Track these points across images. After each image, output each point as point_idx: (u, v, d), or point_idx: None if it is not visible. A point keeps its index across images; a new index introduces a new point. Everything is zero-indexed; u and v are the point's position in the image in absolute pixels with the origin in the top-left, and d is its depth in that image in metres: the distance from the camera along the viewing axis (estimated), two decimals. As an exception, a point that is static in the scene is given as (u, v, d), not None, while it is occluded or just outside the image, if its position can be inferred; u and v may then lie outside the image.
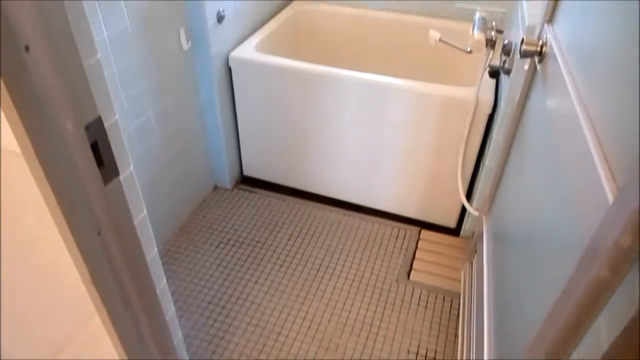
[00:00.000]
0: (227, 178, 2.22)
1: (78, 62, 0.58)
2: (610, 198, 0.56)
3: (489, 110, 1.65)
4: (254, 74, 1.92)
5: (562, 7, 1.00)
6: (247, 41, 1.99)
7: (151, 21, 1.55)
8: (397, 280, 1.84)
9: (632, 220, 0.46)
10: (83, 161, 0.63)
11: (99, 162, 0.66)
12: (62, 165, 0.61)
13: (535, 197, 0.96)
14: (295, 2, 2.41)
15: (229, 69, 1.95)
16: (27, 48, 0.51)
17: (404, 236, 2.05)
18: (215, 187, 2.28)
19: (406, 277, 1.86)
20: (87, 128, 0.63)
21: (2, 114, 0.56)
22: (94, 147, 0.65)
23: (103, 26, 1.34)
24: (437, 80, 2.13)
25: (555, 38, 0.97)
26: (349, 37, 2.40)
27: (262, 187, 2.29)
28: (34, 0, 0.53)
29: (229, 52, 1.92)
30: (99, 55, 0.64)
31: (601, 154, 0.64)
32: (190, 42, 1.76)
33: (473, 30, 1.42)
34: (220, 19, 1.78)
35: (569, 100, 0.79)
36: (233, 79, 1.98)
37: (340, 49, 2.45)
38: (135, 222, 0.82)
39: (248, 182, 2.32)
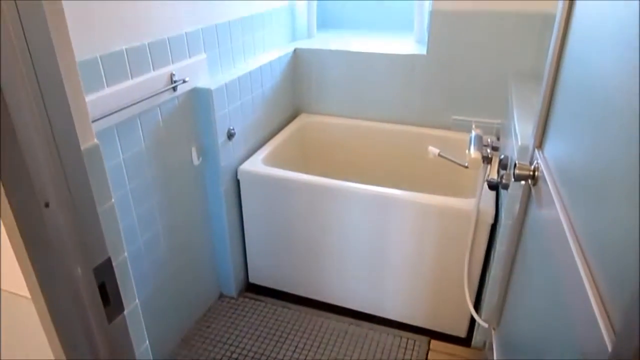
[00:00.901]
0: (232, 286, 2.21)
1: (93, 210, 0.63)
2: (608, 342, 0.56)
3: (490, 221, 1.67)
4: (261, 186, 2.00)
5: (550, 133, 1.06)
6: (255, 154, 2.09)
7: (165, 142, 1.64)
8: (407, 398, 1.75)
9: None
10: (89, 302, 0.65)
11: (105, 300, 0.68)
12: (68, 308, 0.63)
13: (541, 315, 0.95)
14: (301, 115, 2.56)
15: (237, 181, 2.03)
16: (47, 204, 0.56)
17: (413, 347, 1.98)
18: (221, 295, 2.26)
19: (417, 393, 1.77)
20: (96, 270, 0.65)
21: (16, 261, 0.59)
22: (101, 287, 0.67)
23: (120, 150, 1.43)
24: (439, 189, 2.19)
25: (546, 163, 1.01)
26: (353, 148, 2.51)
27: (268, 295, 2.27)
28: (56, 157, 0.58)
29: (237, 165, 2.01)
30: (113, 200, 0.69)
31: (594, 288, 0.65)
32: (200, 158, 1.85)
33: (469, 149, 1.49)
34: (230, 136, 1.89)
35: (561, 228, 0.81)
36: (241, 191, 2.05)
37: (345, 159, 2.55)
38: (137, 353, 0.81)
39: (254, 289, 2.30)
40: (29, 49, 0.55)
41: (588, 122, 0.80)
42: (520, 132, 1.42)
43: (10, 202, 0.54)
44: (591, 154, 0.77)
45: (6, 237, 0.56)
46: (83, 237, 0.61)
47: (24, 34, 0.53)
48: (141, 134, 1.52)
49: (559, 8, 1.04)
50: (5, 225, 0.56)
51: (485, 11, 2.08)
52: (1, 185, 0.54)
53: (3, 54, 0.51)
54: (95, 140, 0.64)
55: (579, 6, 0.97)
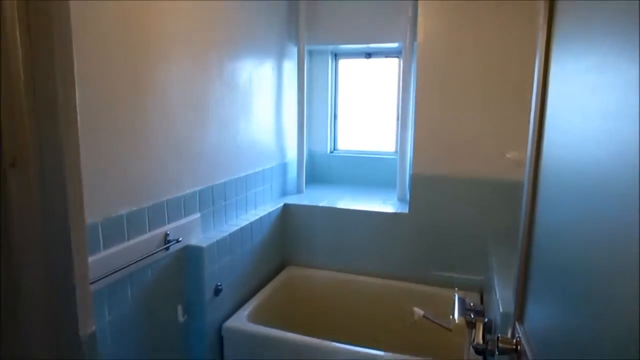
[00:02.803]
0: None
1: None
2: None
3: (480, 388, 1.63)
4: (245, 343, 1.95)
5: (528, 307, 1.11)
6: (241, 310, 2.07)
7: (152, 300, 1.64)
8: None
9: None
10: None
11: None
12: None
13: None
14: (287, 267, 2.60)
15: (221, 337, 1.98)
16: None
17: None
18: None
19: None
20: None
21: None
22: None
23: (106, 312, 1.43)
24: (426, 347, 2.15)
25: (526, 339, 1.04)
26: (338, 302, 2.51)
27: None
28: (56, 347, 0.61)
29: (222, 321, 1.98)
30: (102, 386, 0.69)
31: None
32: (185, 316, 1.83)
33: (453, 314, 1.52)
34: (217, 292, 1.89)
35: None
36: (224, 347, 1.99)
37: (330, 313, 2.52)
38: None
39: None
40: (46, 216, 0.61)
41: (561, 295, 0.84)
42: (502, 299, 1.46)
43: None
44: (566, 328, 0.80)
45: None
46: None
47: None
48: (129, 293, 1.53)
49: (525, 183, 1.13)
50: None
51: (461, 177, 2.27)
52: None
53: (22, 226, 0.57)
54: (94, 328, 0.67)
55: (544, 181, 1.05)
